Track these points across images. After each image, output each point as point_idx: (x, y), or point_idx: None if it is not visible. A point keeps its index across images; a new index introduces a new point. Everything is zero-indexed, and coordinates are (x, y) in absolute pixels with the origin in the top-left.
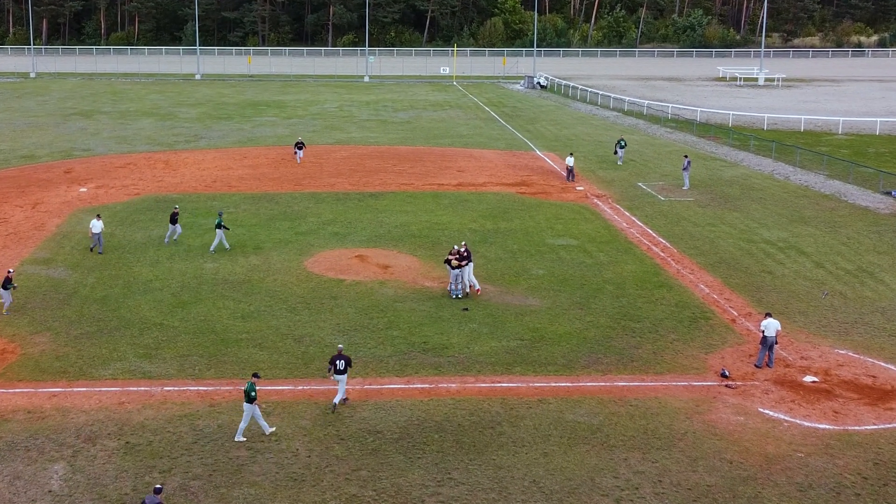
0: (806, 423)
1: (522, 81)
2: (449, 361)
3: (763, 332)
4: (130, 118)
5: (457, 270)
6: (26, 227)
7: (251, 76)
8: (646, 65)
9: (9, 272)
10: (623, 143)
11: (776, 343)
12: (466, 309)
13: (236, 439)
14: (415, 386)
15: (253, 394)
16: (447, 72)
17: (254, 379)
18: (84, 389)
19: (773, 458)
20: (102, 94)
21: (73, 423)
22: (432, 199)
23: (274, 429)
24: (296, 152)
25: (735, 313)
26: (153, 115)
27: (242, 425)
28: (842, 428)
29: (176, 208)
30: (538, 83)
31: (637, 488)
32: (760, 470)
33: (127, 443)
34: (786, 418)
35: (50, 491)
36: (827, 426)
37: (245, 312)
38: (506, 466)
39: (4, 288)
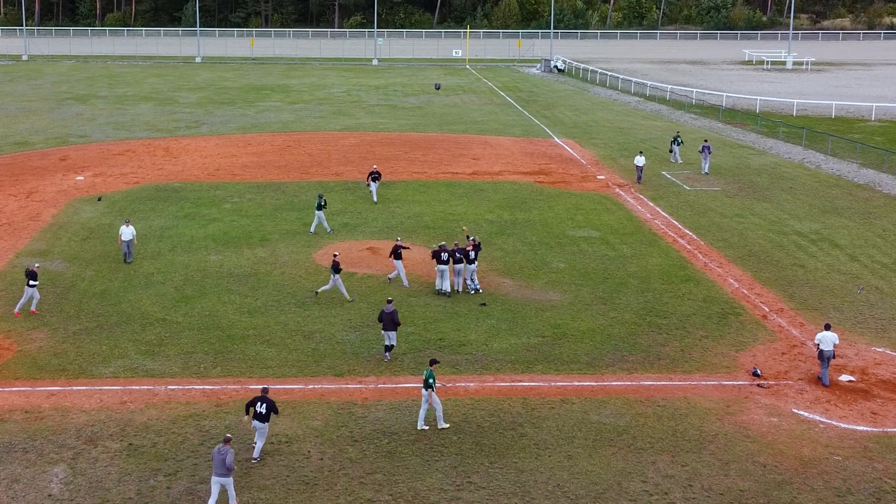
0: (843, 425)
1: (539, 65)
2: (466, 359)
3: (818, 345)
4: (128, 103)
5: (445, 266)
6: (20, 218)
7: (254, 59)
8: (668, 47)
9: (35, 266)
10: (680, 140)
11: (833, 356)
12: (484, 304)
13: (419, 427)
14: None
15: (431, 381)
16: (460, 54)
17: (433, 366)
18: (84, 388)
19: (808, 462)
20: (98, 77)
21: (73, 423)
22: (446, 189)
23: (447, 425)
24: (369, 184)
25: (766, 309)
26: (152, 100)
27: (421, 414)
28: (881, 430)
29: (321, 196)
30: (555, 66)
31: (666, 493)
32: (796, 474)
33: (130, 444)
34: (821, 420)
35: (50, 495)
36: (865, 428)
37: (252, 307)
38: (528, 470)
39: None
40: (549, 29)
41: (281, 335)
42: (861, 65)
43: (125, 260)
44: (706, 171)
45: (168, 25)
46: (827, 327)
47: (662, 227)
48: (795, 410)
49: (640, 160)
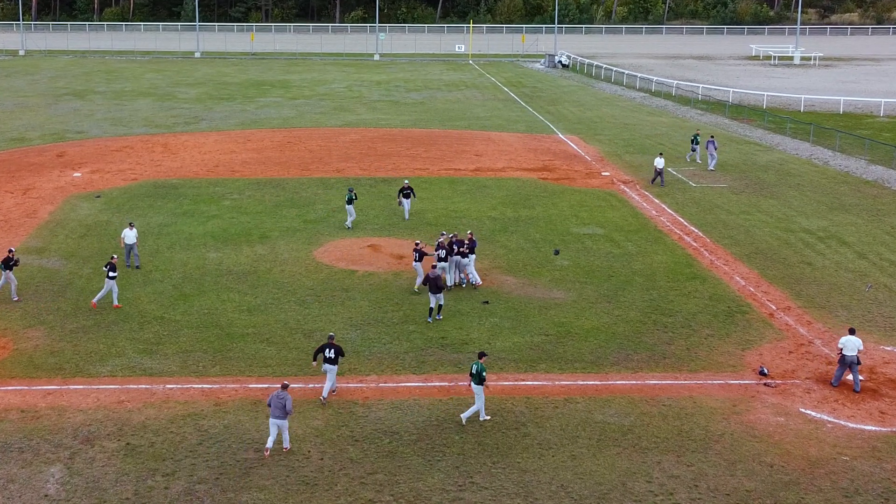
0: (851, 425)
1: (543, 60)
2: (469, 358)
3: (841, 349)
4: (126, 98)
5: (443, 263)
6: (17, 215)
7: (254, 54)
8: (674, 42)
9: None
10: (699, 139)
11: (858, 363)
12: (487, 302)
13: (481, 419)
14: (433, 384)
15: (484, 374)
16: (462, 50)
17: (483, 359)
18: (81, 387)
19: (816, 462)
20: (96, 72)
21: (69, 423)
22: (448, 185)
23: (488, 418)
24: (400, 201)
25: (773, 307)
26: (150, 96)
27: (479, 406)
28: (889, 429)
29: (351, 189)
30: (559, 62)
31: (672, 493)
32: (803, 474)
33: (127, 444)
34: (829, 419)
35: (46, 495)
36: (873, 427)
37: (251, 305)
38: (531, 470)
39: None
40: (554, 24)
41: (281, 333)
42: (870, 60)
43: (128, 265)
44: (711, 167)
45: (167, 20)
46: (851, 332)
47: (668, 224)
48: (803, 410)
49: (659, 162)
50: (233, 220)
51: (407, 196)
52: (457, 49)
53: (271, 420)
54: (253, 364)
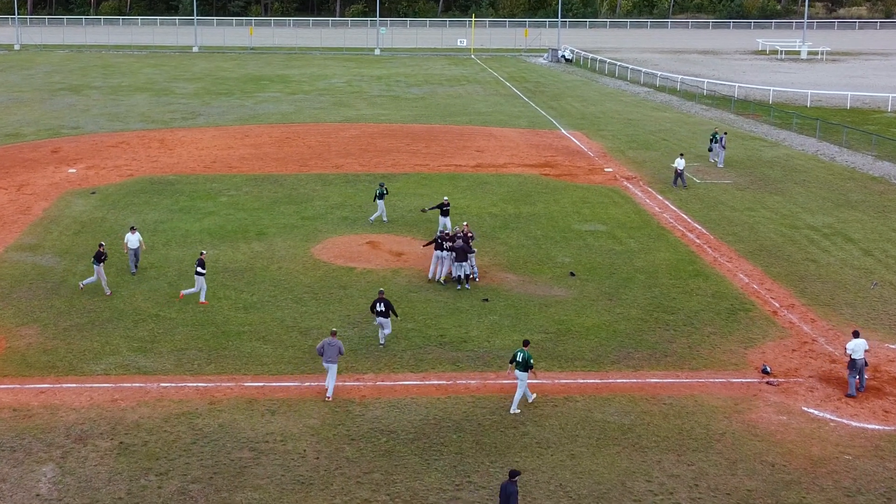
0: (854, 423)
1: (546, 55)
2: (468, 356)
3: (850, 354)
4: (123, 94)
5: (442, 253)
6: (11, 211)
7: (253, 49)
8: (679, 37)
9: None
10: (718, 137)
11: (866, 364)
12: (487, 300)
13: (512, 411)
14: (431, 382)
15: (531, 361)
16: (464, 44)
17: (526, 347)
18: (74, 386)
19: (818, 461)
20: (92, 67)
21: (62, 421)
22: (449, 181)
23: (534, 396)
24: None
25: (777, 304)
26: (147, 91)
27: (517, 397)
28: (893, 428)
29: (382, 184)
30: (563, 56)
31: (672, 493)
32: (805, 473)
33: (121, 443)
34: (832, 418)
35: (38, 495)
36: (877, 426)
37: (247, 303)
38: (530, 469)
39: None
40: (557, 18)
41: (277, 331)
42: (878, 54)
43: (132, 270)
44: (720, 164)
45: (164, 14)
46: (856, 334)
47: (671, 220)
48: (805, 408)
49: (680, 163)
50: (229, 216)
51: (446, 213)
52: (458, 43)
53: (325, 364)
54: (248, 362)
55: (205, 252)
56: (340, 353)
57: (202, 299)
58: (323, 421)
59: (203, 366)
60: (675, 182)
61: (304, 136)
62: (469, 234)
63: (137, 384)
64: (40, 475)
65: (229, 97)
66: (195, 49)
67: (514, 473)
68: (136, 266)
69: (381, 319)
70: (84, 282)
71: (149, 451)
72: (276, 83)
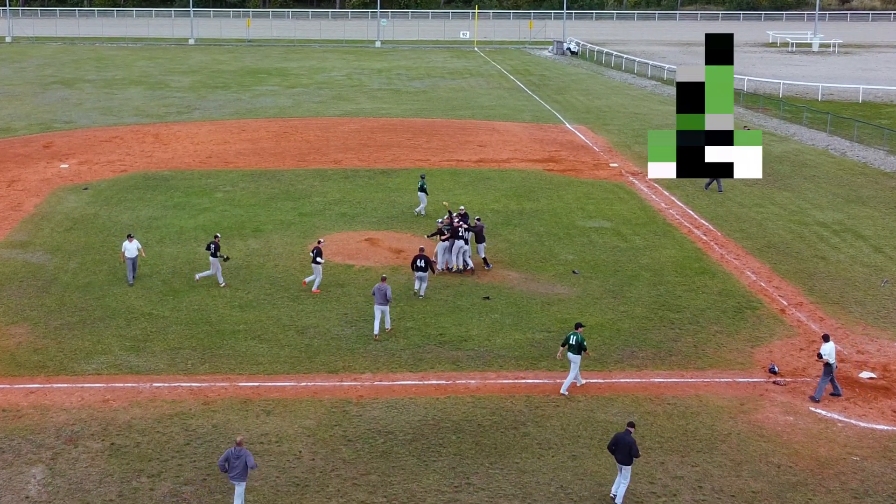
0: (862, 424)
1: (551, 47)
2: (468, 355)
3: (826, 359)
4: (117, 87)
5: (444, 244)
6: (1, 207)
7: (250, 41)
8: (687, 29)
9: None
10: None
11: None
12: (488, 298)
13: (562, 392)
14: (430, 382)
15: (585, 343)
16: (467, 36)
17: (579, 329)
18: (65, 386)
19: (825, 462)
20: (86, 60)
21: (52, 422)
22: (450, 177)
23: (584, 381)
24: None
25: (785, 303)
26: (142, 84)
27: (569, 379)
28: None
29: (423, 177)
30: (568, 49)
31: (675, 495)
32: (811, 475)
33: (112, 444)
34: (840, 418)
35: (27, 497)
36: (885, 427)
37: (243, 301)
38: (530, 471)
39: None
40: (563, 9)
41: (273, 330)
42: (891, 47)
43: (129, 281)
44: None
45: (160, 6)
46: (826, 338)
47: (677, 217)
48: (813, 409)
49: None
50: (225, 213)
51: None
52: (461, 36)
53: (376, 307)
54: (243, 362)
55: (322, 241)
56: (389, 299)
57: (315, 288)
58: (319, 422)
59: (197, 365)
60: (707, 186)
61: (303, 130)
62: (457, 223)
63: (130, 384)
64: (30, 477)
65: (226, 91)
66: (191, 41)
67: (631, 424)
68: (133, 276)
69: (419, 274)
70: (199, 275)
71: (141, 453)
72: (274, 76)
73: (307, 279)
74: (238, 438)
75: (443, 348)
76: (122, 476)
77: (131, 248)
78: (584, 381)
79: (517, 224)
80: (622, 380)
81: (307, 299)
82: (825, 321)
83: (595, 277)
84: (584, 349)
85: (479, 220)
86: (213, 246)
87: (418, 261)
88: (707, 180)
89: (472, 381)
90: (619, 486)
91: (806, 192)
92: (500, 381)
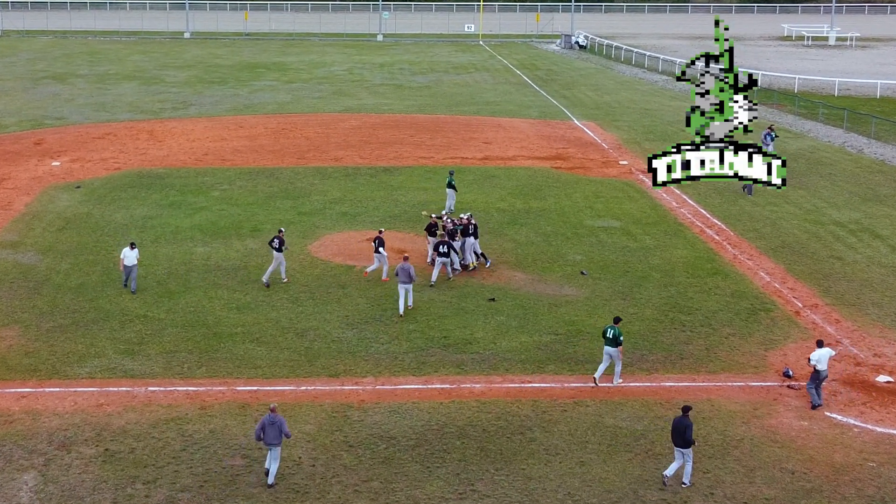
0: (879, 429)
1: (558, 41)
2: (473, 359)
3: (815, 366)
4: (110, 82)
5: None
6: None
7: (248, 34)
8: (700, 22)
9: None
10: (775, 134)
11: (825, 377)
12: (493, 299)
13: (614, 383)
14: (434, 386)
15: (622, 338)
16: (472, 30)
17: (618, 324)
18: (57, 390)
19: (841, 469)
20: (78, 54)
21: (44, 427)
22: (454, 175)
23: (620, 380)
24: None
25: (800, 304)
26: (136, 79)
27: (618, 369)
28: None
29: (452, 173)
30: (576, 42)
31: (686, 502)
32: (826, 481)
33: (106, 450)
34: (856, 423)
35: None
36: None
37: (241, 303)
38: (537, 477)
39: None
40: (570, 2)
41: (272, 333)
42: None
43: (126, 285)
44: None
45: None
46: (820, 344)
47: (689, 216)
48: (828, 413)
49: None
50: (222, 212)
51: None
52: (466, 29)
53: (400, 286)
54: (241, 365)
55: (383, 230)
56: (413, 277)
57: (384, 276)
58: (319, 427)
59: (193, 369)
60: (746, 189)
61: (302, 127)
62: (445, 225)
63: (124, 388)
64: (21, 483)
65: (223, 86)
66: (187, 35)
67: (686, 409)
68: (129, 283)
69: (442, 259)
70: (266, 275)
71: (136, 459)
72: (273, 71)
73: (368, 269)
74: (272, 405)
75: (447, 351)
76: (117, 483)
77: (131, 256)
78: (620, 381)
79: (524, 223)
80: (632, 383)
81: (307, 301)
82: (841, 323)
83: (604, 278)
84: (620, 343)
85: (470, 216)
86: (276, 241)
87: (441, 246)
88: (744, 184)
89: (477, 385)
90: (685, 468)
91: (822, 191)
92: (505, 385)
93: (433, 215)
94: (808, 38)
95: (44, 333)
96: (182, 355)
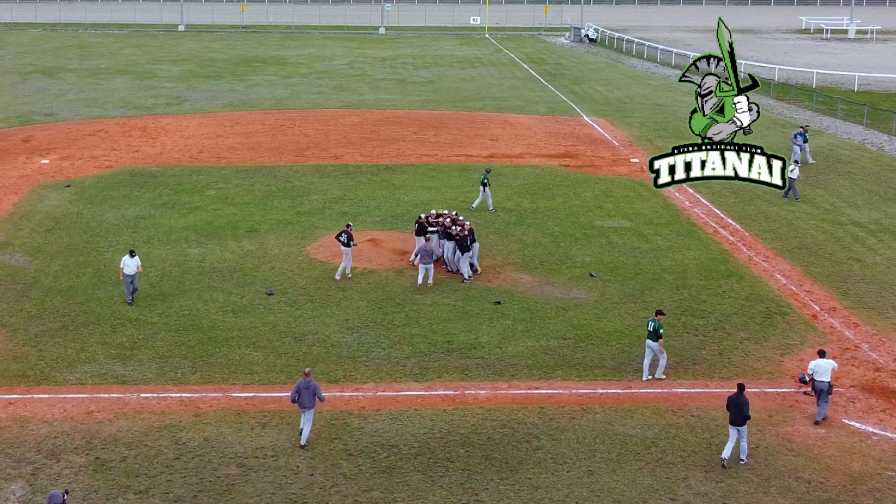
0: None
1: (567, 34)
2: (478, 364)
3: (812, 376)
4: (101, 77)
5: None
6: None
7: (245, 27)
8: (714, 14)
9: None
10: (807, 136)
11: (830, 391)
12: (499, 302)
13: (658, 375)
14: (437, 393)
15: (661, 331)
16: (478, 22)
17: (659, 317)
18: (46, 396)
19: (858, 478)
20: (68, 48)
21: (33, 435)
22: (459, 174)
23: (664, 376)
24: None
25: (817, 308)
26: (128, 74)
27: (662, 364)
28: None
29: (487, 170)
30: (586, 36)
31: None
32: (844, 491)
33: (97, 458)
34: (875, 431)
35: None
36: None
37: (236, 306)
38: (543, 487)
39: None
40: None
41: (269, 337)
42: None
43: (128, 299)
44: (812, 160)
45: None
46: (822, 354)
47: (702, 216)
48: (846, 421)
49: (794, 171)
50: (218, 211)
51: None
52: (471, 21)
53: (421, 266)
54: (237, 371)
55: (350, 224)
56: (437, 257)
57: (347, 274)
58: (318, 435)
59: (187, 374)
60: (786, 194)
61: (301, 123)
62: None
63: (115, 394)
64: (9, 493)
65: (218, 81)
66: (181, 28)
67: (741, 386)
68: (132, 295)
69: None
70: (339, 274)
71: (127, 468)
72: (271, 65)
73: (337, 275)
74: (306, 370)
75: (451, 356)
76: (108, 493)
77: (131, 264)
78: (650, 377)
79: (531, 224)
80: (642, 390)
81: (306, 304)
82: (860, 327)
83: (614, 281)
84: (660, 336)
85: (457, 216)
86: (345, 235)
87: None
88: (786, 189)
89: (482, 392)
90: (741, 446)
91: (840, 190)
92: (511, 392)
93: (441, 213)
94: (826, 30)
95: (32, 338)
96: (175, 360)
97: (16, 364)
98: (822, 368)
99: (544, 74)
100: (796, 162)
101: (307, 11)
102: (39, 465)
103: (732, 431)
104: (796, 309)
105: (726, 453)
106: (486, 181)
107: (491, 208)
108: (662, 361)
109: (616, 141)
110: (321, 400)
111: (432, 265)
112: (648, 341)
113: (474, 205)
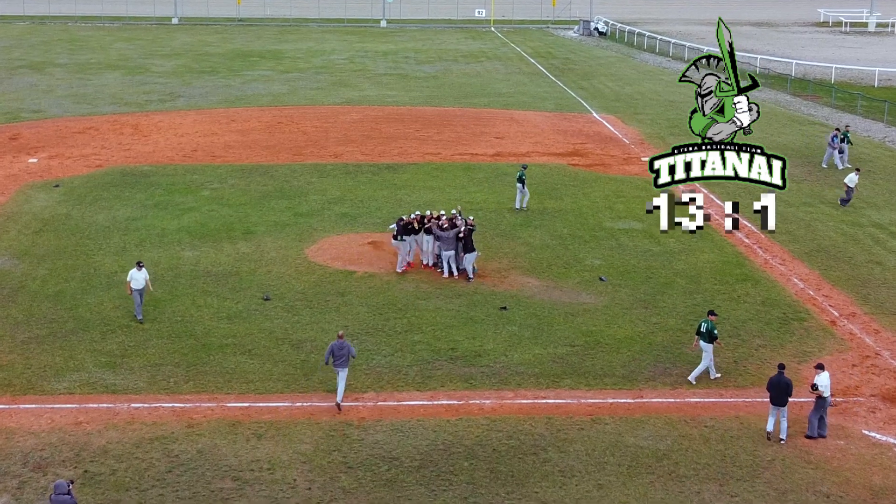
0: None
1: (576, 27)
2: (482, 372)
3: (821, 392)
4: (91, 72)
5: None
6: None
7: (241, 20)
8: (729, 6)
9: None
10: (849, 139)
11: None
12: (505, 308)
13: (712, 377)
14: (440, 402)
15: (715, 332)
16: (483, 15)
17: (712, 317)
18: (33, 406)
19: (879, 491)
20: (57, 42)
21: (19, 447)
22: (463, 173)
23: (718, 375)
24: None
25: (836, 313)
26: (119, 69)
27: (707, 364)
28: None
29: (524, 167)
30: (596, 29)
31: None
32: None
33: (85, 471)
34: None
35: None
36: None
37: (231, 312)
38: (551, 501)
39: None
40: None
41: (265, 344)
42: None
43: (138, 316)
44: (841, 166)
45: None
46: (821, 367)
47: (717, 217)
48: (866, 432)
49: (853, 179)
50: (212, 213)
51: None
52: (476, 14)
53: (443, 254)
54: (232, 379)
55: (404, 218)
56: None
57: (407, 262)
58: (316, 446)
59: (180, 383)
60: (844, 202)
61: (299, 120)
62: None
63: (105, 404)
64: None
65: (213, 76)
66: (175, 21)
67: (782, 366)
68: (138, 310)
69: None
70: (401, 266)
71: (117, 481)
72: (268, 60)
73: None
74: (340, 332)
75: (454, 364)
76: None
77: (139, 277)
78: (717, 375)
79: (538, 225)
80: (654, 399)
81: (303, 310)
82: (881, 334)
83: (624, 285)
84: (715, 338)
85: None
86: (400, 226)
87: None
88: (845, 196)
89: (487, 402)
90: (781, 425)
91: (860, 190)
92: (517, 401)
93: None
94: (846, 24)
95: (18, 345)
96: (168, 368)
97: (1, 372)
98: (826, 382)
99: (552, 69)
100: (857, 170)
101: (305, 4)
102: (25, 479)
103: (773, 410)
104: (814, 315)
105: (770, 427)
106: (523, 177)
107: (522, 206)
108: (702, 366)
109: (627, 139)
110: (353, 356)
111: (453, 252)
112: (702, 343)
113: (522, 204)
